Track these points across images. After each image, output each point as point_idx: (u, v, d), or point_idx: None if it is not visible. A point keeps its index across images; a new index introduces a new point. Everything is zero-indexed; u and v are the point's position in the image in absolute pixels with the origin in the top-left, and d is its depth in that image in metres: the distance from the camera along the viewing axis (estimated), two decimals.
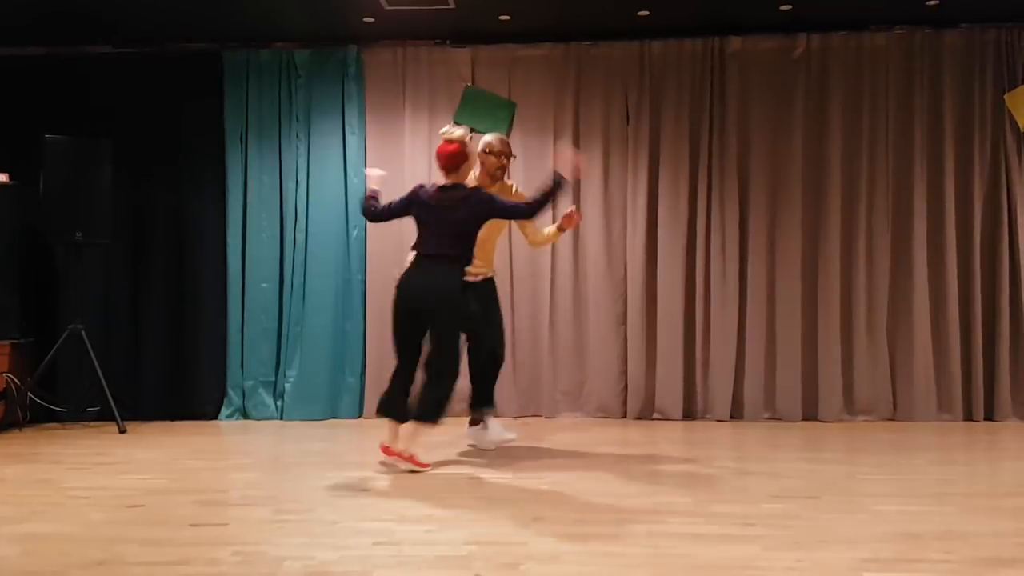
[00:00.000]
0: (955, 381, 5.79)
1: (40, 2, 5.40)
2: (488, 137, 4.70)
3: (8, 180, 5.82)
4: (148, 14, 5.64)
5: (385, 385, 4.35)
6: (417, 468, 4.17)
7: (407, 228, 6.12)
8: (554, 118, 6.14)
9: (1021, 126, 5.80)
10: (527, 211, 4.25)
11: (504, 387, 5.63)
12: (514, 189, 4.78)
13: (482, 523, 3.26)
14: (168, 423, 5.96)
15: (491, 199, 4.23)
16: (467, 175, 4.38)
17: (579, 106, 6.14)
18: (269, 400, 6.15)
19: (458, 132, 4.29)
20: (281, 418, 6.08)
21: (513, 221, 4.62)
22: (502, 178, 4.70)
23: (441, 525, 3.23)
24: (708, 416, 5.95)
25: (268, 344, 6.17)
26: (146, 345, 6.16)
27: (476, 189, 4.29)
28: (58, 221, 5.64)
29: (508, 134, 6.11)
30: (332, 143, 6.22)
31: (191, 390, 6.13)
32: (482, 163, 4.62)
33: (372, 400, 6.10)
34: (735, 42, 6.01)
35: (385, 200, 4.42)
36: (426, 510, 3.46)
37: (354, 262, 6.19)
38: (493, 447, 4.76)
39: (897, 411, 5.86)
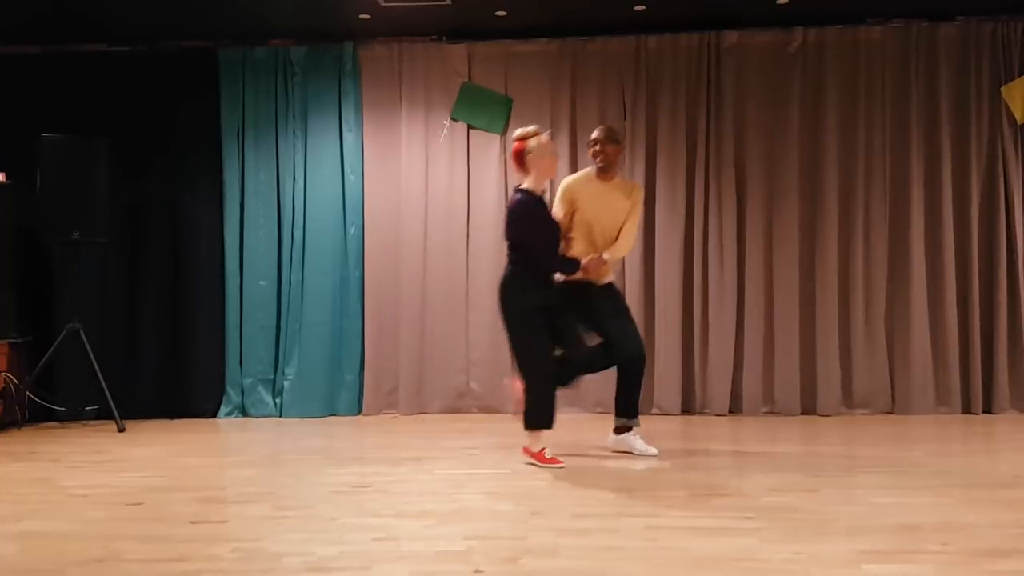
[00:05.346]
0: (953, 374, 5.80)
1: (35, 1, 5.39)
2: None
3: (4, 179, 5.82)
4: (143, 12, 5.63)
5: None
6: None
7: (404, 226, 6.17)
8: (551, 113, 6.13)
9: (1018, 118, 5.81)
10: (513, 249, 4.18)
11: (500, 382, 5.63)
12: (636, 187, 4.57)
13: (481, 518, 3.26)
14: (166, 421, 5.97)
15: (508, 214, 4.20)
16: (534, 174, 4.17)
17: (576, 101, 6.14)
18: (267, 398, 6.15)
19: (524, 130, 4.22)
20: (280, 415, 6.09)
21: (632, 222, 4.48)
22: (606, 167, 4.41)
23: (440, 520, 3.23)
24: (706, 410, 5.96)
25: (266, 342, 6.17)
26: (144, 343, 6.16)
27: (515, 197, 4.19)
28: (54, 220, 5.63)
29: (505, 130, 6.12)
30: (329, 140, 6.21)
31: (189, 388, 6.13)
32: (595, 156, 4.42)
33: (370, 397, 6.13)
34: (731, 36, 6.00)
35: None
36: (425, 506, 3.46)
37: (352, 259, 6.18)
38: (655, 451, 4.48)
39: (895, 404, 5.87)
